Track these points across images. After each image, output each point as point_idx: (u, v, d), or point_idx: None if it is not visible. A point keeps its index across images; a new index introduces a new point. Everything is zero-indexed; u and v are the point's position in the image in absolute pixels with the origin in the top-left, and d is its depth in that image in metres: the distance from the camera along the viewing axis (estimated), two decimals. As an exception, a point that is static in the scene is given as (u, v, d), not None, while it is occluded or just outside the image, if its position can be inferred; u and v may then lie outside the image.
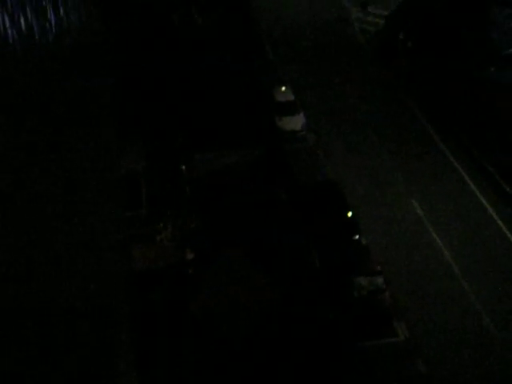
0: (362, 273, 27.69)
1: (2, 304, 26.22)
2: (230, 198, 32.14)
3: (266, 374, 23.83)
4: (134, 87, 40.30)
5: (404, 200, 34.02)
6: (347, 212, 31.12)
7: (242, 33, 50.02)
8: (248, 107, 40.63)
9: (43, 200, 31.71)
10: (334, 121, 40.70)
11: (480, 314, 27.82)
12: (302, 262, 29.36)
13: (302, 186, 33.76)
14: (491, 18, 46.97)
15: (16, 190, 32.19)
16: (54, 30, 43.86)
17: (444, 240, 31.48)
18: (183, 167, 29.84)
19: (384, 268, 28.82)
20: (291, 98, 40.23)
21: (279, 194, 33.30)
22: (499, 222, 32.73)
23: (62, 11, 45.39)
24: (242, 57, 46.37)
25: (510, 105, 38.70)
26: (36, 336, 24.94)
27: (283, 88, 41.07)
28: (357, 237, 30.05)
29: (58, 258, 28.37)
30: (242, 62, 45.54)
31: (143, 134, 29.84)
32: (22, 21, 43.72)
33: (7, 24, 40.78)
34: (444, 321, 27.52)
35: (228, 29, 50.24)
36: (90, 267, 27.65)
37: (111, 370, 23.74)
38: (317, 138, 38.86)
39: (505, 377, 25.24)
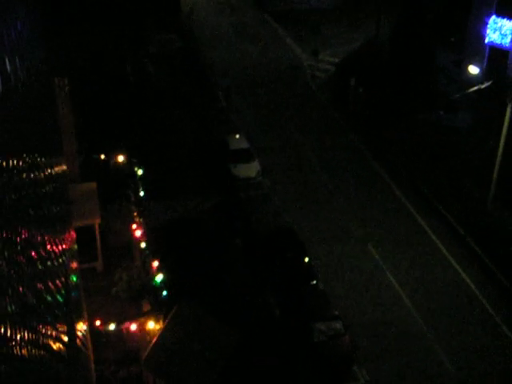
0: (320, 318, 27.63)
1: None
2: (187, 247, 31.98)
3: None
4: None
5: (360, 245, 34.22)
6: (304, 258, 31.07)
7: (195, 83, 50.43)
8: (202, 156, 40.78)
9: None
10: (289, 167, 41.09)
11: (439, 355, 27.89)
12: (261, 310, 29.14)
13: (258, 233, 33.74)
14: (438, 63, 48.37)
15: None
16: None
17: (401, 282, 31.69)
18: (138, 218, 29.67)
19: (342, 312, 28.80)
20: (246, 145, 40.46)
21: (236, 241, 33.19)
22: (453, 263, 33.11)
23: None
24: (195, 106, 46.73)
25: (458, 147, 39.33)
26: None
27: (237, 136, 41.31)
28: (314, 282, 29.94)
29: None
30: (195, 111, 45.86)
31: (97, 181, 29.63)
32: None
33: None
34: (404, 363, 27.52)
35: (180, 79, 50.59)
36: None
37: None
38: (272, 185, 39.04)
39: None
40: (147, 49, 52.14)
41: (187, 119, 45.00)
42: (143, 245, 28.29)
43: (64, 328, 12.02)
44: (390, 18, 51.61)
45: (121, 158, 33.88)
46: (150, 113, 45.14)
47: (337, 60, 54.37)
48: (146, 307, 26.06)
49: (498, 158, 33.28)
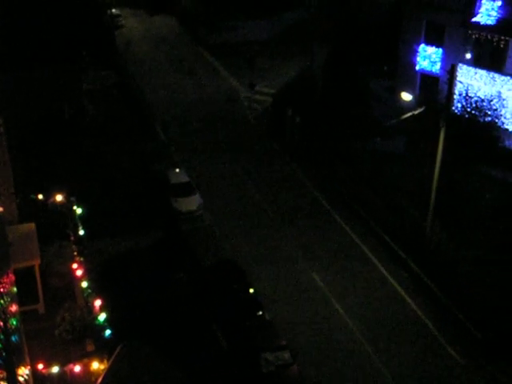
0: (268, 348, 27.43)
1: None
2: (130, 284, 31.47)
3: None
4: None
5: (305, 273, 34.28)
6: (249, 289, 30.91)
7: (132, 118, 50.21)
8: (142, 191, 40.49)
9: None
10: (230, 199, 41.08)
11: (387, 379, 27.95)
12: (208, 344, 28.86)
13: (202, 266, 33.47)
14: (372, 90, 49.25)
15: None
16: None
17: (346, 309, 31.79)
18: (79, 257, 29.18)
19: (290, 342, 28.67)
20: (186, 179, 40.38)
21: (180, 275, 32.87)
22: (396, 286, 33.44)
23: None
24: (133, 141, 46.52)
25: (395, 172, 40.17)
26: None
27: (177, 170, 41.19)
28: (260, 313, 29.78)
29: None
30: (133, 146, 45.67)
31: (36, 222, 29.11)
32: None
33: None
34: (353, 390, 27.45)
35: (118, 115, 50.29)
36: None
37: None
38: (214, 217, 38.97)
39: None
40: (83, 86, 51.73)
41: (126, 155, 44.61)
42: (85, 284, 27.77)
43: (3, 374, 11.64)
44: (324, 48, 52.49)
45: (59, 198, 33.31)
46: (88, 150, 44.58)
47: (273, 91, 54.88)
48: (90, 347, 25.54)
49: (435, 181, 33.84)
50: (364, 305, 32.12)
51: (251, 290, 30.84)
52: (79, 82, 49.00)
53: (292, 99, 48.34)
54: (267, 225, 38.51)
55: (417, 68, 48.34)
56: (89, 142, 45.74)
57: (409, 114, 36.10)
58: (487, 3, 43.69)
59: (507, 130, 42.90)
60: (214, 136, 49.21)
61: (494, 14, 43.41)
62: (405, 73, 49.06)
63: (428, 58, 47.57)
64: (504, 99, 42.62)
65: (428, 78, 47.98)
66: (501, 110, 42.28)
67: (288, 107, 46.29)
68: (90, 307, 26.62)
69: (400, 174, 40.91)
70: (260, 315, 29.61)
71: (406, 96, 37.11)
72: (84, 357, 24.37)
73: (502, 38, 42.63)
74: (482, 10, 43.87)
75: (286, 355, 27.45)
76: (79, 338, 25.81)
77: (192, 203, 38.81)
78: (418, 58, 48.04)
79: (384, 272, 34.54)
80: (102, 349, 24.52)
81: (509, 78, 42.64)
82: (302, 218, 39.21)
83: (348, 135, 44.14)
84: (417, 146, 41.56)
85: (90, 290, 27.49)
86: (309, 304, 32.05)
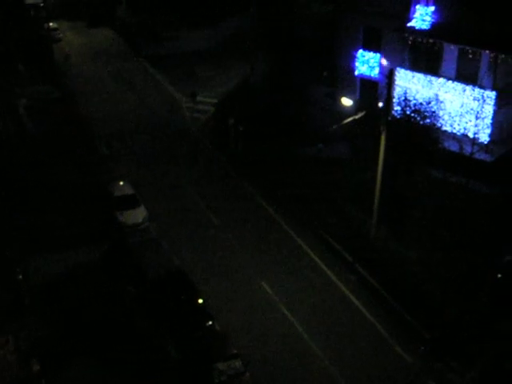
0: (219, 358, 27.35)
1: None
2: (76, 301, 31.08)
3: None
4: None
5: (253, 282, 34.30)
6: (198, 299, 30.78)
7: (74, 133, 49.68)
8: (86, 205, 40.02)
9: None
10: (175, 209, 40.87)
11: (339, 381, 28.12)
12: (158, 356, 28.66)
13: (149, 278, 33.18)
14: (311, 97, 49.40)
15: None
16: None
17: (296, 316, 31.84)
18: (20, 275, 28.55)
19: (242, 351, 28.64)
20: (130, 191, 40.01)
21: (128, 289, 32.56)
22: (345, 290, 33.69)
23: None
24: (76, 156, 46.04)
25: (339, 176, 40.58)
26: None
27: (121, 182, 40.79)
28: (210, 323, 29.67)
29: None
30: (76, 161, 45.24)
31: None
32: None
33: None
34: (305, 395, 27.47)
35: (59, 130, 49.79)
36: None
37: None
38: (160, 229, 38.69)
39: None
40: (22, 101, 50.96)
41: (68, 169, 44.00)
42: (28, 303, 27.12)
43: None
44: (265, 56, 52.74)
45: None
46: (29, 166, 43.87)
47: (215, 101, 54.86)
48: (36, 367, 24.96)
49: (378, 184, 34.23)
50: (313, 309, 32.24)
51: (200, 301, 30.66)
52: (17, 97, 48.04)
53: (234, 108, 48.45)
54: (214, 235, 38.39)
55: (356, 73, 48.87)
56: (29, 158, 44.93)
57: (350, 119, 36.23)
58: (421, 8, 44.61)
59: (445, 131, 43.73)
60: (157, 147, 49.00)
61: (428, 18, 44.33)
62: (344, 78, 49.48)
63: (366, 63, 48.20)
64: (441, 101, 43.46)
65: (367, 83, 48.53)
66: (438, 112, 42.95)
67: (230, 116, 46.24)
68: (36, 325, 26.03)
69: (345, 179, 41.40)
70: (210, 325, 29.45)
71: (347, 101, 37.55)
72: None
73: (437, 41, 43.55)
74: (417, 15, 44.75)
75: (238, 364, 27.38)
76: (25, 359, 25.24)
77: (137, 216, 38.48)
78: (357, 64, 48.61)
79: (332, 276, 34.76)
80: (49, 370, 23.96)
81: (445, 80, 43.53)
82: (249, 226, 39.25)
83: (291, 142, 44.23)
84: (360, 151, 41.96)
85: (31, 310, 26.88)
86: (259, 312, 32.03)
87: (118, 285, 32.90)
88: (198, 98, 55.66)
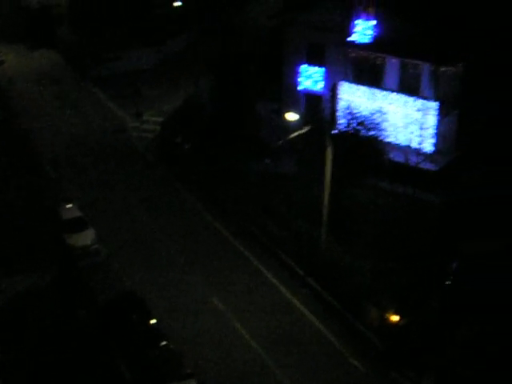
0: (174, 378, 27.21)
1: None
2: (26, 328, 30.66)
3: None
4: None
5: (206, 299, 34.22)
6: (150, 319, 30.55)
7: (19, 156, 49.08)
8: (34, 229, 39.48)
9: None
10: (124, 231, 40.58)
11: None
12: (112, 377, 28.43)
13: (101, 301, 32.85)
14: (259, 113, 49.98)
15: None
16: None
17: (249, 331, 31.86)
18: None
19: (196, 370, 28.54)
20: (78, 214, 39.64)
21: (78, 312, 32.19)
22: (297, 303, 33.90)
23: None
24: (21, 179, 45.42)
25: (284, 191, 41.03)
26: None
27: (69, 205, 40.34)
28: (164, 343, 29.42)
29: None
30: (21, 184, 44.67)
31: None
32: None
33: None
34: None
35: (3, 153, 49.15)
36: None
37: None
38: (109, 251, 38.35)
39: None
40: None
41: (13, 193, 43.39)
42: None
43: None
44: (210, 73, 52.79)
45: None
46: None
47: (161, 119, 54.73)
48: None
49: (326, 198, 34.50)
50: (266, 324, 32.27)
51: (153, 321, 30.42)
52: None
53: (181, 126, 48.38)
54: (164, 254, 38.22)
55: (301, 88, 49.28)
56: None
57: (295, 134, 36.58)
58: (362, 23, 45.40)
59: (391, 143, 44.39)
60: (104, 169, 48.60)
61: (370, 32, 45.11)
62: (289, 93, 49.83)
63: (311, 77, 48.61)
64: (385, 113, 44.13)
65: (312, 97, 48.99)
66: (383, 124, 43.26)
67: (177, 134, 46.09)
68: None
69: (293, 193, 41.25)
70: (164, 345, 29.20)
71: (292, 116, 37.79)
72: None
73: (379, 55, 44.37)
74: (358, 29, 45.46)
75: (193, 383, 27.19)
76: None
77: (86, 238, 38.05)
78: (301, 78, 49.03)
79: (283, 290, 34.92)
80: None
81: (388, 92, 44.32)
82: (198, 244, 39.18)
83: (238, 158, 44.49)
84: (307, 165, 42.07)
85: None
86: (212, 330, 31.94)
87: (69, 309, 32.41)
88: (144, 117, 55.41)
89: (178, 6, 66.66)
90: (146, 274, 36.37)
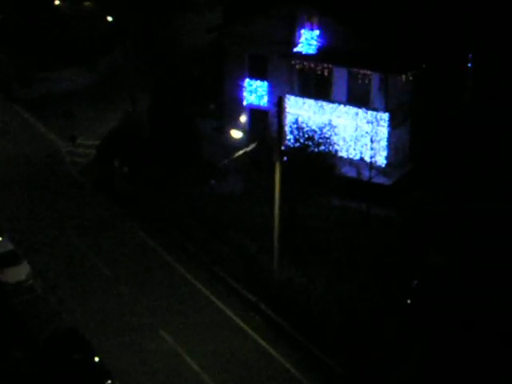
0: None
1: None
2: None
3: None
4: None
5: (152, 332, 34.01)
6: (94, 357, 30.33)
7: None
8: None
9: None
10: (60, 263, 40.24)
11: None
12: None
13: (38, 339, 32.48)
14: (202, 131, 50.40)
15: None
16: None
17: (201, 364, 31.65)
18: None
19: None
20: (10, 247, 39.18)
21: (14, 352, 31.81)
22: (251, 332, 33.89)
23: None
24: None
25: (231, 213, 41.40)
26: None
27: (0, 238, 39.87)
28: (109, 382, 29.28)
29: None
30: None
31: None
32: None
33: None
34: None
35: None
36: None
37: None
38: (45, 285, 37.95)
39: None
40: None
41: None
42: None
43: None
44: (146, 92, 52.90)
45: None
46: None
47: (97, 142, 54.57)
48: None
49: (276, 218, 34.75)
50: (219, 357, 32.16)
51: (96, 359, 30.21)
52: None
53: (118, 148, 48.44)
54: (105, 284, 38.00)
55: (244, 103, 49.84)
56: None
57: (241, 152, 36.98)
58: (306, 33, 46.19)
59: (342, 157, 45.18)
60: (36, 196, 48.32)
61: (314, 42, 45.90)
62: (233, 110, 50.28)
63: (255, 92, 49.30)
64: (335, 127, 44.82)
65: (257, 113, 49.61)
66: (333, 138, 44.12)
67: (114, 157, 46.05)
68: None
69: (241, 215, 41.79)
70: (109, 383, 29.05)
71: (237, 134, 38.24)
72: None
73: (325, 65, 45.11)
74: (302, 39, 46.26)
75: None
76: None
77: (20, 273, 37.54)
78: (245, 93, 49.63)
79: (235, 319, 34.88)
80: None
81: (337, 105, 45.09)
82: (141, 272, 39.09)
83: (180, 181, 44.70)
84: (255, 184, 42.68)
85: None
86: (161, 363, 31.71)
87: (3, 350, 31.98)
88: (79, 141, 55.19)
89: (110, 22, 66.77)
90: (87, 307, 35.99)
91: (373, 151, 44.03)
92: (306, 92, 46.86)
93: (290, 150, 40.05)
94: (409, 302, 33.77)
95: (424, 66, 45.57)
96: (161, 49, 58.57)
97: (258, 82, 49.08)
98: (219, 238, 39.86)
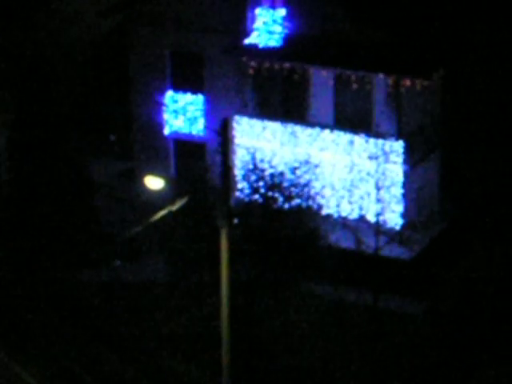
0: None
1: None
2: None
3: None
4: None
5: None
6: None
7: None
8: None
9: None
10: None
11: None
12: None
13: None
14: (93, 179, 49.42)
15: None
16: None
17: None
18: None
19: None
20: None
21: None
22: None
23: None
24: None
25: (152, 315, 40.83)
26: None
27: None
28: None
29: None
30: None
31: None
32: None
33: None
34: None
35: None
36: None
37: None
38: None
39: None
40: None
41: None
42: None
43: None
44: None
45: None
46: None
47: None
48: None
49: (225, 324, 31.71)
50: None
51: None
52: None
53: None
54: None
55: (166, 132, 47.98)
56: None
57: (163, 213, 34.34)
58: (265, 13, 44.43)
59: (329, 216, 43.84)
60: None
61: (279, 29, 44.34)
62: (147, 143, 49.00)
63: (182, 112, 47.20)
64: (316, 166, 43.41)
65: (188, 147, 48.16)
66: (314, 185, 43.41)
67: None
68: None
69: (166, 316, 40.86)
70: None
71: (155, 182, 35.69)
72: None
73: (298, 66, 43.63)
74: (259, 24, 44.52)
75: None
76: None
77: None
78: (166, 115, 47.29)
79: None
80: None
81: (318, 130, 43.42)
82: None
83: (61, 262, 43.92)
84: (187, 265, 40.41)
85: None
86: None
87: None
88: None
89: None
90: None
91: (380, 205, 41.95)
92: (266, 110, 45.62)
93: (244, 208, 39.73)
94: None
95: (461, 63, 44.70)
96: (23, 49, 55.54)
97: (189, 97, 47.23)
98: (129, 354, 38.94)
